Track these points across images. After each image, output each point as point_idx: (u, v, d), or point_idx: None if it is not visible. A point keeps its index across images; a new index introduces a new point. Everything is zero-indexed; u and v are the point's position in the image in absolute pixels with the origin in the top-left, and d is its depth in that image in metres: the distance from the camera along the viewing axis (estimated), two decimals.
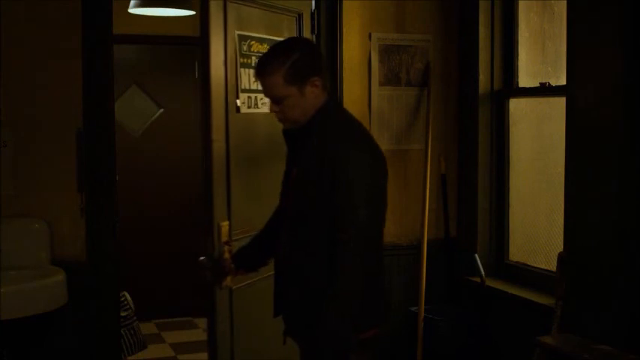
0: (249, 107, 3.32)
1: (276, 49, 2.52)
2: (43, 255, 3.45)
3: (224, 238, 3.01)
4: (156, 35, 6.20)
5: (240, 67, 3.27)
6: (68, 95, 3.49)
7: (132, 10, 5.00)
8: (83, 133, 3.49)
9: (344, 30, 3.92)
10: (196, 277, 6.54)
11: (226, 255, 2.91)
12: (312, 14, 3.82)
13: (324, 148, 2.38)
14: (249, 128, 3.32)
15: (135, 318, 4.19)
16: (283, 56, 2.43)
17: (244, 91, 3.29)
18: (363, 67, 3.97)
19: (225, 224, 3.04)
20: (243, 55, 3.28)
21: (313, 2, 3.83)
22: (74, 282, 3.39)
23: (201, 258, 2.94)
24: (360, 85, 3.96)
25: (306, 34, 3.75)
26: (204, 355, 5.57)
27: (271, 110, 2.50)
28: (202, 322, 6.41)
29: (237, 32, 3.23)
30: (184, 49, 6.48)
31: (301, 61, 2.43)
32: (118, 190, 3.64)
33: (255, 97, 3.35)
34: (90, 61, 3.49)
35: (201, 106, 3.14)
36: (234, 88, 3.21)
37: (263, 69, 2.46)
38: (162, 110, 6.48)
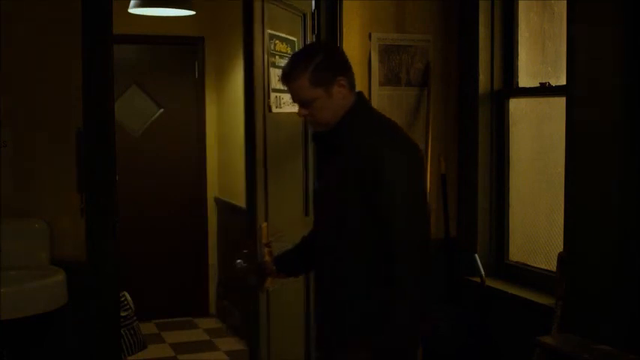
0: (276, 107, 3.34)
1: (299, 53, 2.58)
2: (43, 255, 3.45)
3: (264, 240, 2.99)
4: (156, 35, 6.20)
5: (270, 66, 3.30)
6: (68, 95, 3.49)
7: (132, 10, 5.00)
8: (83, 133, 3.49)
9: (344, 30, 3.91)
10: (197, 278, 6.57)
11: (267, 257, 2.89)
12: (312, 14, 3.83)
13: (354, 150, 2.39)
14: (276, 128, 3.33)
15: (135, 318, 4.19)
16: (307, 59, 2.45)
17: (273, 90, 3.31)
18: (363, 67, 3.97)
19: (264, 226, 3.03)
20: (270, 54, 3.31)
21: (313, 2, 3.84)
22: (74, 282, 3.39)
23: (238, 261, 2.94)
24: (360, 85, 3.90)
25: (308, 33, 3.76)
26: (205, 355, 5.61)
27: (300, 114, 2.51)
28: (202, 322, 6.42)
29: (268, 31, 3.26)
30: (184, 49, 6.49)
31: (325, 63, 2.45)
32: (118, 190, 3.64)
33: (280, 97, 3.36)
34: (90, 61, 3.49)
35: (245, 107, 3.13)
36: (267, 88, 3.23)
37: (289, 74, 2.47)
38: (162, 110, 6.48)
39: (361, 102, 2.53)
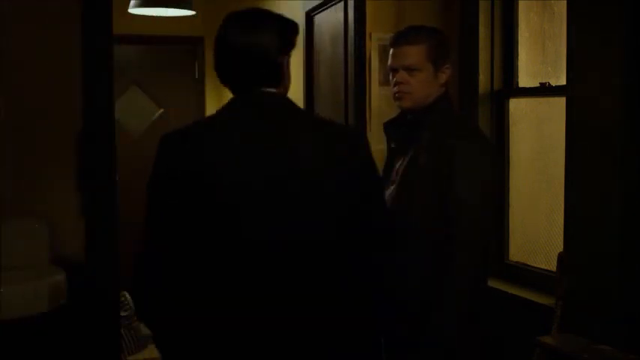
0: None
1: (419, 26, 2.56)
2: (43, 255, 3.45)
3: None
4: (156, 35, 6.21)
5: None
6: (68, 95, 3.49)
7: (132, 10, 5.00)
8: (83, 133, 3.49)
9: None
10: None
11: None
12: None
13: (439, 142, 2.40)
14: None
15: (135, 318, 4.20)
16: (429, 32, 2.49)
17: None
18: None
19: None
20: None
21: None
22: (74, 282, 3.39)
23: None
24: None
25: None
26: None
27: (396, 82, 2.48)
28: None
29: None
30: (184, 49, 6.49)
31: (443, 45, 2.50)
32: (118, 190, 3.64)
33: None
34: (90, 61, 3.49)
35: None
36: None
37: (409, 36, 2.47)
38: (162, 110, 6.48)
39: (447, 98, 2.57)
